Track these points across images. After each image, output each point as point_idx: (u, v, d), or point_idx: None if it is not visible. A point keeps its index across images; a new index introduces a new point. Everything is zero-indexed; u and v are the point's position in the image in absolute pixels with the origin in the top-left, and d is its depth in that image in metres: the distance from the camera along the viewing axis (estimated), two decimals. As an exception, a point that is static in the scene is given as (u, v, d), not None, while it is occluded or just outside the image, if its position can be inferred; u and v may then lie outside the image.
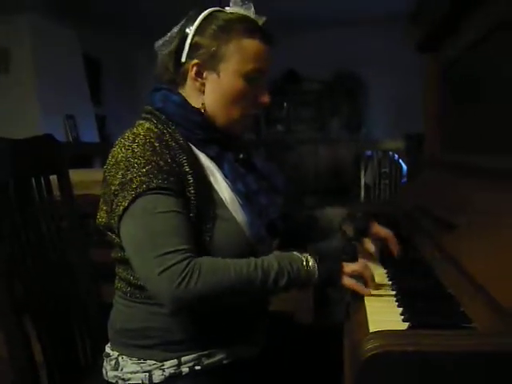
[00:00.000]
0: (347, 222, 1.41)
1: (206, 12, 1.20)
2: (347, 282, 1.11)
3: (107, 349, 1.23)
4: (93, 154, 5.65)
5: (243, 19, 1.19)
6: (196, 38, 1.18)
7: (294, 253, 1.11)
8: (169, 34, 1.24)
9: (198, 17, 1.19)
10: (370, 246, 1.36)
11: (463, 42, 1.58)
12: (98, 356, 1.37)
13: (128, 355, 1.17)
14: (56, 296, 1.36)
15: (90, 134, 6.14)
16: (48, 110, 5.35)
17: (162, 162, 1.07)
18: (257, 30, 1.18)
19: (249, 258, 1.07)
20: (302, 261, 1.09)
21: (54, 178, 1.46)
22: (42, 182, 1.40)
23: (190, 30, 1.18)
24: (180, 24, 1.22)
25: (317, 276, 1.09)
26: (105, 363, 1.22)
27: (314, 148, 6.78)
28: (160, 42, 1.24)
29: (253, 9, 1.21)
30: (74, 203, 1.52)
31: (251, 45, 1.17)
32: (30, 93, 5.27)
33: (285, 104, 7.30)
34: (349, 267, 1.12)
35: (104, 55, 6.93)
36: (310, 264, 1.09)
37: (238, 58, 1.16)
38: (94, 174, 3.02)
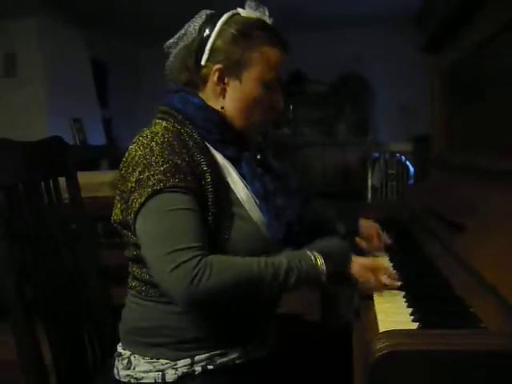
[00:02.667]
0: (338, 220, 1.43)
1: (225, 16, 1.21)
2: (356, 271, 1.11)
3: (119, 348, 1.23)
4: (100, 157, 5.67)
5: (262, 26, 1.21)
6: (217, 43, 1.18)
7: (305, 251, 1.12)
8: (182, 31, 1.24)
9: (214, 18, 1.20)
10: (362, 243, 1.42)
11: (469, 43, 1.58)
12: (107, 357, 1.37)
13: (141, 354, 1.17)
14: (66, 298, 1.37)
15: (97, 137, 6.16)
16: (55, 113, 5.38)
17: (179, 161, 1.09)
18: (277, 38, 1.21)
19: (259, 257, 1.08)
20: (311, 259, 1.09)
21: (62, 180, 1.46)
22: (51, 184, 1.41)
23: (210, 33, 1.19)
24: (193, 24, 1.23)
25: (325, 274, 1.09)
26: (116, 362, 1.22)
27: (321, 150, 6.77)
28: (171, 40, 1.25)
29: (267, 13, 1.23)
30: (82, 205, 1.52)
31: (273, 53, 1.19)
32: (38, 96, 5.31)
33: (291, 106, 7.29)
34: (360, 260, 1.14)
35: (110, 57, 6.95)
36: (319, 262, 1.09)
37: (260, 66, 1.18)
38: (101, 177, 3.03)
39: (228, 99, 1.21)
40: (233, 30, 1.18)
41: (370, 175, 5.15)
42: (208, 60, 1.19)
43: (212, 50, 1.19)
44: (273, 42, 1.20)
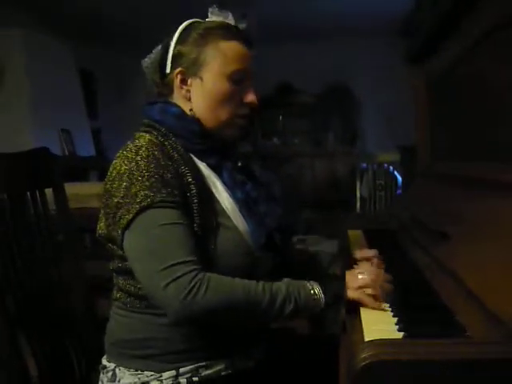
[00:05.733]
0: (336, 263, 1.40)
1: (185, 23, 1.24)
2: (354, 295, 1.09)
3: (103, 361, 1.22)
4: (89, 168, 5.64)
5: (221, 25, 1.23)
6: (178, 48, 1.21)
7: (304, 281, 1.11)
8: (153, 51, 1.27)
9: (175, 31, 1.23)
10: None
11: (453, 54, 1.59)
12: (92, 370, 1.36)
13: (125, 366, 1.16)
14: (50, 310, 1.36)
15: (87, 148, 6.13)
16: (43, 124, 5.35)
17: (165, 175, 1.08)
18: (234, 33, 1.22)
19: (258, 282, 1.07)
20: (310, 290, 1.09)
21: (49, 191, 1.46)
22: (37, 195, 1.40)
23: (171, 42, 1.22)
24: (164, 41, 1.25)
25: (323, 305, 1.08)
26: (101, 375, 1.21)
27: (310, 161, 6.79)
28: (146, 59, 1.28)
29: (231, 16, 1.25)
30: (69, 217, 1.51)
31: (230, 47, 1.20)
32: (25, 108, 5.27)
33: (280, 117, 7.32)
34: (355, 283, 1.11)
35: (98, 68, 6.96)
36: (317, 293, 1.08)
37: (218, 60, 1.19)
38: (89, 188, 3.02)
39: (194, 100, 1.21)
40: (193, 34, 1.21)
41: (358, 186, 5.16)
42: (171, 67, 1.22)
43: (173, 56, 1.21)
44: (228, 36, 1.21)
